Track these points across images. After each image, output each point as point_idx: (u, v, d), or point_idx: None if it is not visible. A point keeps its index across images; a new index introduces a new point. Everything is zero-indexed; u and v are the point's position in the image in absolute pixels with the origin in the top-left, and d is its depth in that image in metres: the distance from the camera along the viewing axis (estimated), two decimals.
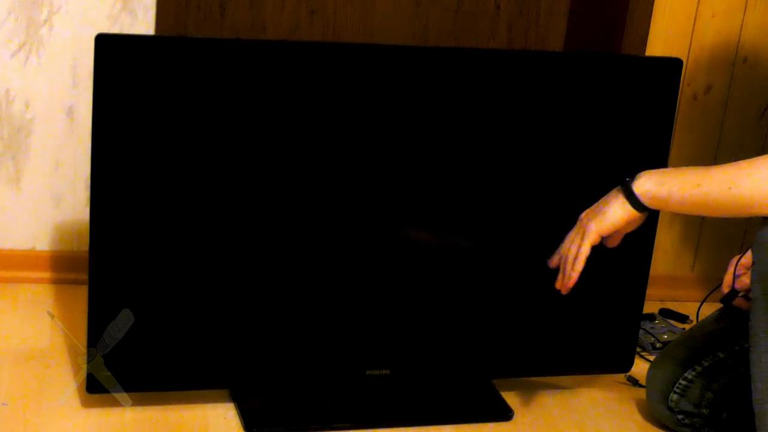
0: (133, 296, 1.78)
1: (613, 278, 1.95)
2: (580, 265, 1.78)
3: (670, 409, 1.95)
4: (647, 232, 1.85)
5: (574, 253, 1.78)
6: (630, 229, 1.79)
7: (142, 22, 2.18)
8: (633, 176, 1.74)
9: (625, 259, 1.93)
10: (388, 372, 1.93)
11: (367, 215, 1.85)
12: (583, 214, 1.79)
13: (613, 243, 1.81)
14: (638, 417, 2.03)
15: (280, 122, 1.77)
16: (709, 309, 2.05)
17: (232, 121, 1.75)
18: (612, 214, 1.75)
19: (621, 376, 2.14)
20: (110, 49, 1.68)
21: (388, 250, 1.87)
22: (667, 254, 2.55)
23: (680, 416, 1.95)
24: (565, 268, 1.80)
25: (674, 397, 1.95)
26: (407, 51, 1.92)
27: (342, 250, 1.86)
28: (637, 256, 1.92)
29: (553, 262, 1.83)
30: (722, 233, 2.57)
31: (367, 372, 1.92)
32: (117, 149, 1.72)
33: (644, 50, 2.37)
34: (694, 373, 1.94)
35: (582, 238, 1.77)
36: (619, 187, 1.75)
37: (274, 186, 1.80)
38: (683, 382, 1.94)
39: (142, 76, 1.70)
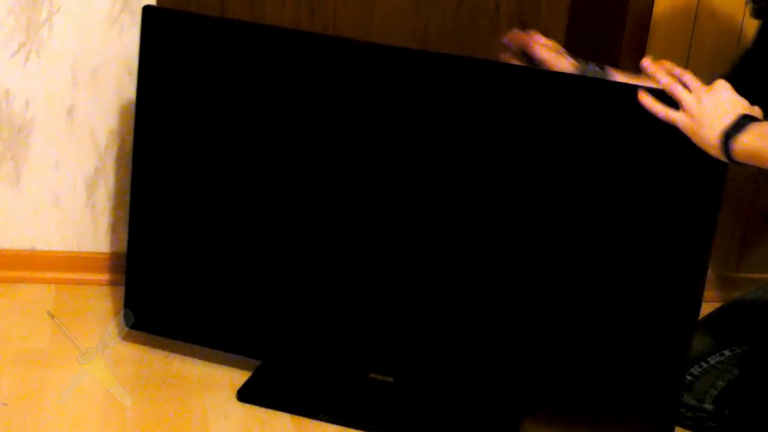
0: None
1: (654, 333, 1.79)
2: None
3: None
4: (695, 280, 1.74)
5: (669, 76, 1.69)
6: None
7: None
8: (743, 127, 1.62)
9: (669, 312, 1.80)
10: (391, 380, 1.92)
11: (374, 218, 1.84)
12: (695, 100, 1.66)
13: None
14: None
15: (315, 112, 1.81)
16: (711, 308, 2.05)
17: (270, 106, 1.81)
18: (699, 139, 1.65)
19: None
20: (156, 22, 1.83)
21: (392, 251, 1.87)
22: None
23: (683, 409, 1.96)
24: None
25: None
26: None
27: (345, 249, 1.86)
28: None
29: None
30: (722, 233, 2.57)
31: (370, 374, 1.92)
32: (158, 118, 1.84)
33: (644, 50, 2.37)
34: (700, 370, 1.94)
35: (680, 87, 1.68)
36: (725, 131, 1.62)
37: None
38: (689, 378, 1.94)
39: (185, 52, 1.81)
